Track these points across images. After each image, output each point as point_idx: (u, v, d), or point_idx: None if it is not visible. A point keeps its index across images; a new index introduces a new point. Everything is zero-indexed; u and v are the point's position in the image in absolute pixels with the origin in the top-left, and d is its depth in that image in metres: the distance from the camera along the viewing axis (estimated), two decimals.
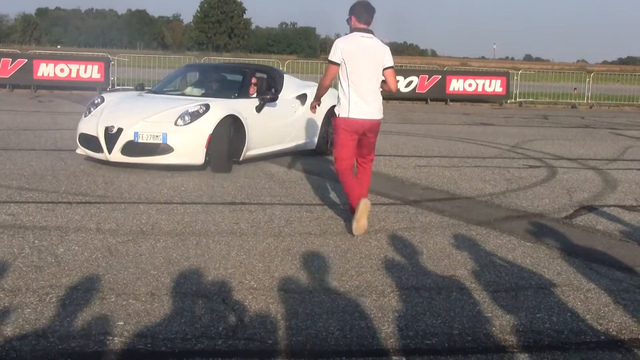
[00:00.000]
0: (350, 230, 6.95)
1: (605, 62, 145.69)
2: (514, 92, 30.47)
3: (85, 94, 25.11)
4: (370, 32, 7.19)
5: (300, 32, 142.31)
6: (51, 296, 4.86)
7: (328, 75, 7.17)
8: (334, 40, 7.55)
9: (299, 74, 24.80)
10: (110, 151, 9.89)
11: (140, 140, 9.80)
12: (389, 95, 27.92)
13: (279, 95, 11.40)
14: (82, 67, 26.42)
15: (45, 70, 25.96)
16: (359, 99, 7.06)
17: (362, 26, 7.13)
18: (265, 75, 11.98)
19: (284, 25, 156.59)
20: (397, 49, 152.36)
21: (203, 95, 11.26)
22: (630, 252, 6.72)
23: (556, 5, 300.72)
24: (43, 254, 5.86)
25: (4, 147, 11.59)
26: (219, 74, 12.39)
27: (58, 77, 26.05)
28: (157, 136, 9.80)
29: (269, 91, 11.23)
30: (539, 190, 9.66)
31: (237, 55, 79.08)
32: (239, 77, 11.73)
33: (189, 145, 9.87)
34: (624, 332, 4.68)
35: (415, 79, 28.49)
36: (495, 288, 5.46)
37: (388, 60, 7.21)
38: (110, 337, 4.23)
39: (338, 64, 7.02)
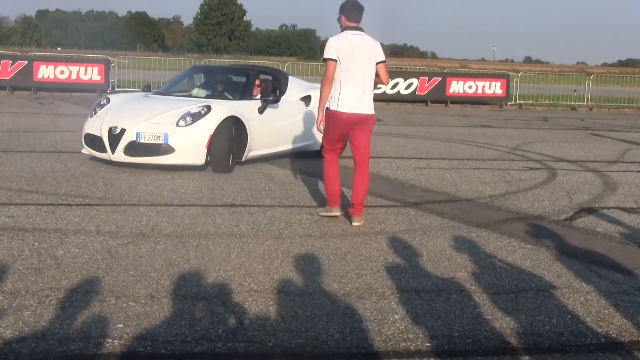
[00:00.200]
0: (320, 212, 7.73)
1: (605, 64, 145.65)
2: (514, 94, 30.49)
3: (86, 96, 25.15)
4: (361, 29, 7.45)
5: (300, 34, 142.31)
6: (51, 298, 4.86)
7: (329, 71, 7.32)
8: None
9: (299, 76, 24.80)
10: (113, 151, 10.07)
11: (142, 141, 9.96)
12: (389, 97, 28.03)
13: (284, 97, 11.50)
14: (82, 69, 26.43)
15: (46, 72, 25.96)
16: (350, 94, 7.32)
17: (352, 24, 7.40)
18: (270, 77, 12.10)
19: (284, 27, 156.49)
20: (397, 51, 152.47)
21: (208, 96, 11.38)
22: (630, 254, 6.72)
23: (556, 7, 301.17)
24: (43, 256, 5.85)
25: (4, 149, 11.59)
26: (224, 75, 12.48)
27: (58, 79, 26.06)
28: (158, 137, 9.95)
29: (273, 93, 11.30)
30: (539, 193, 9.66)
31: (237, 57, 79.03)
32: (243, 79, 11.86)
33: (190, 145, 10.00)
34: (624, 334, 4.68)
35: (415, 81, 28.51)
36: (495, 290, 5.46)
37: (380, 55, 7.49)
38: (110, 340, 4.23)
39: (335, 60, 7.25)
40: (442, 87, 28.65)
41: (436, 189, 9.73)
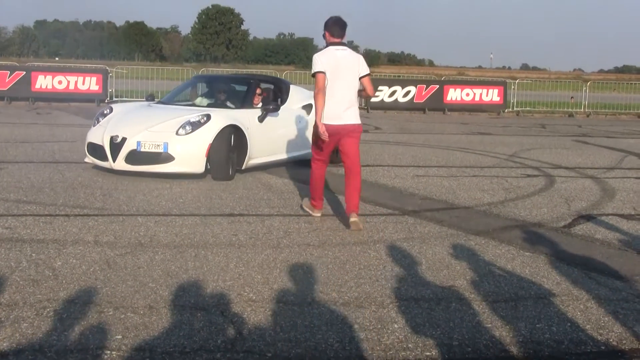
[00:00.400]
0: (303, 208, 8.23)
1: (601, 71, 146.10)
2: (512, 101, 30.53)
3: (84, 106, 25.17)
4: (344, 44, 7.85)
5: (298, 42, 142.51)
6: (48, 310, 4.84)
7: (319, 84, 7.60)
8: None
9: (298, 85, 24.80)
10: (114, 160, 10.24)
11: (142, 149, 10.13)
12: (387, 105, 28.07)
13: (285, 105, 11.59)
14: (80, 79, 26.44)
15: (44, 82, 25.96)
16: (335, 106, 7.63)
17: (336, 40, 7.79)
18: (272, 86, 12.19)
19: (281, 36, 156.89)
20: (395, 59, 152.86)
21: (210, 105, 11.52)
22: (629, 261, 6.71)
23: (552, 14, 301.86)
24: (40, 267, 5.84)
25: (1, 160, 11.58)
26: (226, 84, 12.58)
27: (56, 89, 26.06)
28: (158, 145, 10.10)
29: (273, 102, 11.40)
30: (537, 200, 9.66)
31: (235, 67, 79.11)
32: (244, 88, 11.97)
33: (190, 154, 10.15)
34: (624, 342, 4.67)
35: (412, 89, 28.55)
36: (495, 298, 5.45)
37: (363, 69, 7.79)
38: (108, 351, 4.21)
39: (324, 72, 7.58)
40: (440, 94, 28.69)
41: (434, 196, 9.72)
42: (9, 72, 25.98)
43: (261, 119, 11.00)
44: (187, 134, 10.17)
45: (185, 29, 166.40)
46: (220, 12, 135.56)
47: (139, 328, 4.57)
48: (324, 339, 4.50)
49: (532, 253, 6.85)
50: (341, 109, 7.65)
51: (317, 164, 8.04)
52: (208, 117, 10.36)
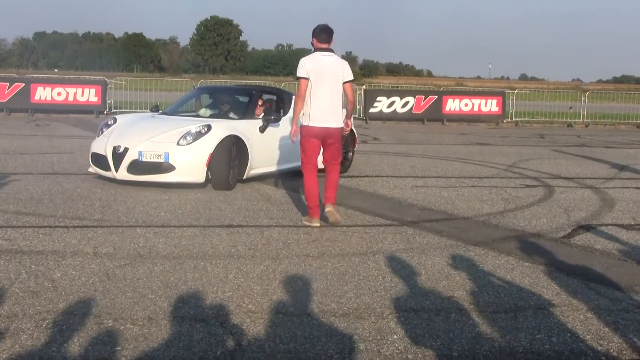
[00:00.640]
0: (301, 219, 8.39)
1: (600, 81, 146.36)
2: (510, 111, 30.59)
3: (83, 118, 25.22)
4: (331, 50, 8.29)
5: (296, 53, 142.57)
6: (48, 321, 4.83)
7: (301, 89, 8.11)
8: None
9: None
10: (117, 169, 10.41)
11: (144, 159, 10.28)
12: (386, 116, 28.11)
13: (286, 116, 11.65)
14: (79, 90, 26.51)
15: (43, 94, 26.03)
16: (320, 109, 8.09)
17: (322, 46, 8.23)
18: (274, 97, 12.26)
19: (280, 47, 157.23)
20: (393, 70, 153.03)
21: (212, 116, 11.70)
22: (629, 272, 6.71)
23: (550, 24, 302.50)
24: (40, 278, 5.83)
25: (1, 171, 11.58)
26: (229, 95, 12.70)
27: (55, 100, 26.12)
28: (159, 155, 10.26)
29: (275, 112, 11.54)
30: (537, 210, 9.66)
31: (234, 78, 79.24)
32: (247, 99, 12.09)
33: (190, 163, 10.29)
34: (624, 352, 4.66)
35: (411, 100, 28.60)
36: (494, 309, 5.44)
37: (347, 74, 8.28)
38: None
39: (307, 78, 8.05)
40: (439, 105, 28.74)
41: (434, 207, 9.72)
42: (8, 83, 26.05)
43: (262, 129, 11.11)
44: (188, 144, 10.32)
45: (184, 40, 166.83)
46: (219, 24, 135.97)
47: (138, 339, 4.57)
48: (324, 350, 4.49)
49: (532, 263, 6.85)
50: (326, 112, 8.11)
51: (307, 167, 8.32)
52: (209, 127, 10.50)
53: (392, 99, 28.67)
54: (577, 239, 8.00)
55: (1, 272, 5.99)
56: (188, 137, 10.37)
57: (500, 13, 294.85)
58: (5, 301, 5.23)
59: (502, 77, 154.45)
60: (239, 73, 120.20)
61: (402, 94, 29.50)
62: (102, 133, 11.22)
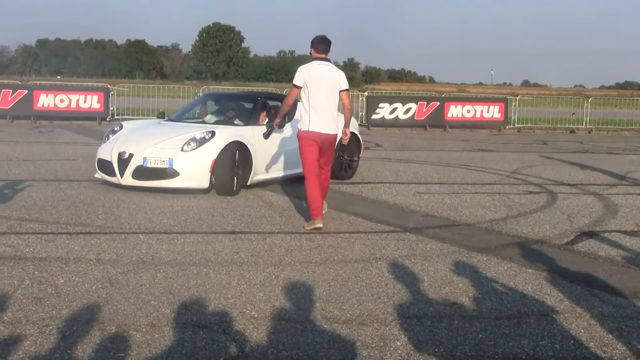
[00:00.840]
0: (306, 223, 8.51)
1: (602, 87, 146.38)
2: (513, 117, 30.58)
3: (85, 124, 25.25)
4: (328, 60, 8.68)
5: (298, 60, 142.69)
6: (51, 328, 4.84)
7: (291, 96, 8.74)
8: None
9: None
10: (122, 175, 10.56)
11: (148, 165, 10.42)
12: (388, 123, 28.11)
13: (291, 123, 11.63)
14: (82, 97, 26.57)
15: (46, 100, 26.07)
16: (318, 115, 8.46)
17: (320, 55, 8.61)
18: (279, 104, 12.25)
19: (282, 54, 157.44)
20: (395, 76, 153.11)
21: (218, 122, 11.83)
22: (632, 278, 6.69)
23: (553, 30, 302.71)
24: (43, 285, 5.84)
25: (4, 178, 11.59)
26: (234, 102, 12.80)
27: (58, 107, 26.16)
28: (163, 161, 10.39)
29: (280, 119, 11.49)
30: (540, 216, 9.65)
31: (236, 84, 79.22)
32: (251, 105, 12.20)
33: (194, 169, 10.40)
34: (628, 359, 4.65)
35: (413, 106, 28.61)
36: (497, 315, 5.44)
37: (343, 83, 8.64)
38: None
39: (300, 87, 8.49)
40: (441, 111, 28.75)
41: (436, 213, 9.72)
42: (11, 90, 26.08)
43: (266, 135, 11.10)
44: (191, 150, 10.44)
45: (186, 46, 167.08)
46: (221, 30, 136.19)
47: (141, 346, 4.57)
48: (326, 357, 4.49)
49: (535, 270, 6.84)
50: (324, 119, 8.48)
51: (309, 175, 8.55)
52: (212, 133, 10.61)
53: (394, 105, 28.68)
54: (580, 246, 7.99)
55: (5, 278, 5.99)
56: (192, 143, 10.48)
57: (502, 19, 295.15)
58: (8, 307, 5.24)
59: (505, 83, 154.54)
60: (241, 79, 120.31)
61: (404, 100, 29.51)
62: (108, 139, 11.36)
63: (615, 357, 4.67)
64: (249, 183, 10.95)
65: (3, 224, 8.12)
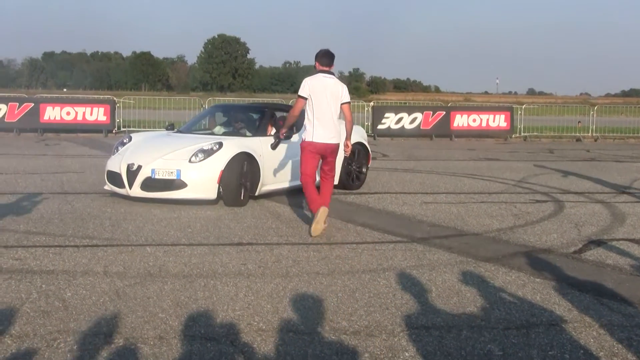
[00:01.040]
0: (309, 233, 8.64)
1: (608, 95, 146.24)
2: (518, 126, 30.57)
3: (92, 137, 25.32)
4: (332, 73, 9.06)
5: (304, 70, 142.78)
6: (59, 341, 4.83)
7: (297, 107, 9.00)
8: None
9: None
10: (130, 187, 10.65)
11: (157, 177, 10.52)
12: (394, 132, 28.13)
13: (299, 133, 11.68)
14: (88, 109, 26.67)
15: (52, 113, 26.19)
16: (321, 126, 8.81)
17: (324, 68, 8.98)
18: (286, 114, 12.31)
19: (287, 65, 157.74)
20: (401, 86, 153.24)
21: (226, 133, 11.91)
22: None
23: (558, 38, 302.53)
24: (50, 298, 5.83)
25: (11, 191, 11.62)
26: (242, 113, 12.94)
27: (64, 120, 26.30)
28: (171, 172, 10.48)
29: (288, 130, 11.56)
30: (547, 225, 9.62)
31: (242, 95, 79.54)
32: (259, 117, 12.30)
33: (202, 180, 10.49)
34: None
35: (419, 115, 28.62)
36: (506, 325, 5.41)
37: (345, 96, 8.97)
38: None
39: (306, 98, 8.80)
40: (447, 121, 28.75)
41: (443, 223, 9.70)
42: (17, 103, 26.23)
43: (274, 146, 11.14)
44: (199, 161, 10.53)
45: (192, 58, 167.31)
46: (226, 42, 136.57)
47: (149, 359, 4.56)
48: None
49: (543, 279, 6.81)
50: (326, 129, 8.82)
51: (307, 185, 8.97)
52: (220, 144, 10.71)
53: (400, 115, 28.70)
54: (588, 254, 7.96)
55: (12, 291, 6.00)
56: (200, 155, 10.56)
57: (507, 28, 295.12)
58: (16, 321, 5.24)
59: (510, 92, 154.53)
60: (246, 91, 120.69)
61: (410, 110, 29.52)
62: (117, 151, 11.48)
63: None
64: (256, 194, 11.01)
65: (10, 237, 8.13)
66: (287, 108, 13.51)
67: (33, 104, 26.33)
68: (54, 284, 6.25)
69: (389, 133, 28.37)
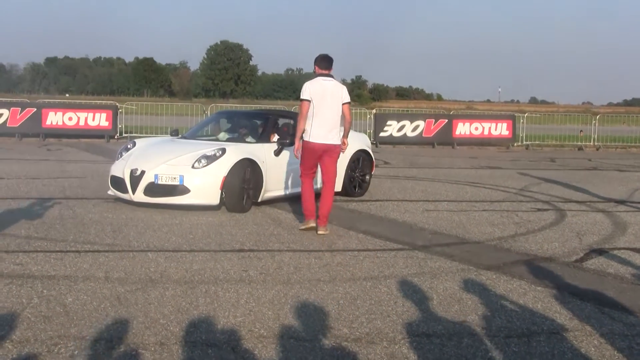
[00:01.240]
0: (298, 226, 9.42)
1: (610, 104, 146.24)
2: (520, 135, 30.57)
3: (94, 142, 25.34)
4: (331, 76, 9.35)
5: (306, 77, 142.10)
6: (60, 347, 4.83)
7: (303, 110, 9.19)
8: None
9: None
10: (134, 192, 10.72)
11: (160, 182, 10.57)
12: (396, 140, 28.13)
13: None
14: (90, 115, 26.68)
15: (54, 118, 26.21)
16: (320, 127, 9.14)
17: (323, 72, 9.31)
18: (291, 121, 12.39)
19: (289, 71, 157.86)
20: (403, 93, 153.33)
21: (230, 140, 11.96)
22: None
23: (560, 47, 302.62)
24: (52, 303, 5.84)
25: (13, 196, 11.63)
26: (246, 119, 12.96)
27: (66, 125, 26.31)
28: (174, 178, 10.53)
29: (290, 136, 11.60)
30: (548, 234, 9.62)
31: (244, 102, 79.59)
32: (262, 123, 12.32)
33: (205, 186, 10.54)
34: None
35: (421, 123, 28.63)
36: (507, 334, 5.41)
37: (345, 97, 9.31)
38: None
39: (309, 100, 9.11)
40: (449, 129, 28.76)
41: (445, 231, 9.70)
42: (20, 108, 26.25)
43: (277, 152, 11.31)
44: (202, 167, 10.58)
45: (194, 64, 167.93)
46: (229, 48, 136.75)
47: None
48: None
49: (544, 288, 6.81)
50: (325, 130, 9.14)
51: (304, 178, 9.45)
52: (223, 151, 10.76)
53: (402, 122, 28.71)
54: (590, 263, 7.96)
55: (13, 296, 6.00)
56: (203, 161, 10.61)
57: (509, 36, 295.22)
58: (17, 326, 5.24)
59: (512, 101, 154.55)
60: (249, 97, 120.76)
61: (412, 117, 29.53)
62: (121, 156, 11.53)
63: None
64: (259, 200, 11.05)
65: (11, 242, 8.13)
66: (290, 115, 13.53)
67: (35, 109, 26.36)
68: (55, 289, 6.25)
69: (391, 140, 28.38)
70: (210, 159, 10.62)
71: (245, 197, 10.73)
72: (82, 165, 17.20)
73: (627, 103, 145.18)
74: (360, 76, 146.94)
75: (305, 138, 9.19)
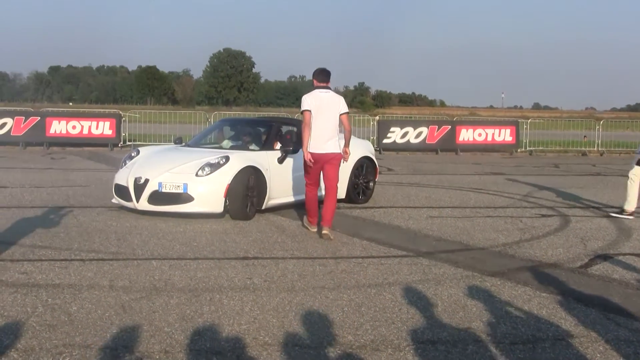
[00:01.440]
0: (304, 225, 9.95)
1: (614, 109, 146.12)
2: (524, 140, 30.54)
3: (97, 151, 25.38)
4: (328, 88, 9.63)
5: (309, 85, 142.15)
6: (64, 355, 4.83)
7: (306, 120, 9.39)
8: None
9: None
10: (138, 200, 10.74)
11: (164, 190, 10.59)
12: (400, 147, 28.14)
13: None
14: (94, 123, 26.74)
15: (58, 127, 26.27)
16: (319, 138, 9.39)
17: (321, 85, 9.59)
18: (295, 129, 12.39)
19: (292, 79, 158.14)
20: (406, 100, 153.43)
21: (233, 147, 11.97)
22: None
23: (563, 53, 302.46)
24: (56, 312, 5.84)
25: (17, 205, 11.65)
26: (250, 127, 12.95)
27: (70, 134, 26.36)
28: (178, 186, 10.56)
29: (294, 143, 11.63)
30: (553, 240, 9.61)
31: (247, 109, 79.66)
32: (265, 131, 12.33)
33: (209, 194, 10.56)
34: None
35: (425, 130, 28.63)
36: (512, 340, 5.40)
37: (343, 107, 9.57)
38: None
39: (310, 110, 9.35)
40: (452, 135, 28.75)
41: (449, 238, 9.69)
42: (24, 117, 26.32)
43: (281, 160, 11.33)
44: (206, 175, 10.60)
45: (197, 72, 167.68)
46: (232, 56, 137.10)
47: None
48: None
49: (549, 294, 6.80)
50: (324, 140, 9.39)
51: (309, 187, 9.78)
52: (227, 158, 10.78)
53: (405, 129, 28.71)
54: (595, 269, 7.94)
55: (18, 305, 6.00)
56: (206, 169, 10.63)
57: (512, 42, 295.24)
58: (22, 335, 5.24)
59: (515, 106, 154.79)
60: (252, 105, 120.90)
61: (415, 124, 29.53)
62: (125, 165, 11.57)
63: None
64: (263, 207, 11.06)
65: (16, 251, 8.14)
66: (293, 122, 13.54)
67: (39, 118, 26.42)
68: (60, 298, 6.25)
69: (395, 147, 28.38)
70: (214, 166, 10.64)
71: (249, 205, 10.74)
72: (86, 174, 17.22)
73: (630, 108, 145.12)
74: (363, 83, 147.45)
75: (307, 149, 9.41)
